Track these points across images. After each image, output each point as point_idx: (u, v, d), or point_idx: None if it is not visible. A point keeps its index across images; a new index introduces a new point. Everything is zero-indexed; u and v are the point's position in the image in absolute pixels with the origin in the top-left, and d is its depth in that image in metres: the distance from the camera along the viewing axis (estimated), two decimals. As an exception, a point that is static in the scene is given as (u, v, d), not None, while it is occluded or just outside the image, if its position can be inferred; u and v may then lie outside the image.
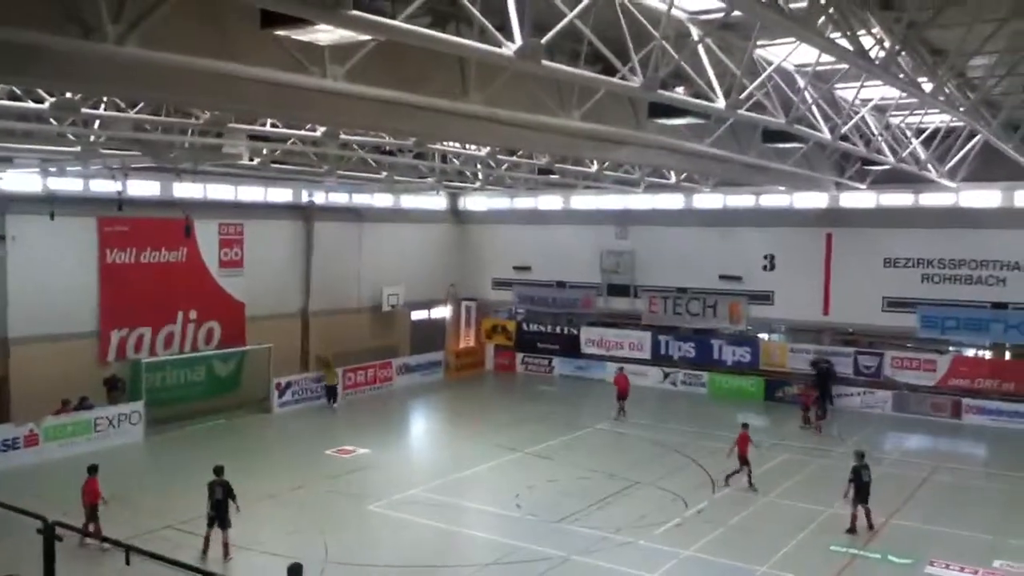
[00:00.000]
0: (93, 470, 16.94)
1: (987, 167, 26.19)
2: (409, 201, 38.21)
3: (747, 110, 14.21)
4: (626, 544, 17.20)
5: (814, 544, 17.41)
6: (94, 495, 16.57)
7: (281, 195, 32.53)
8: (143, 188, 27.27)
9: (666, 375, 34.89)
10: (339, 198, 34.74)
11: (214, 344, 29.26)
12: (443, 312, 39.63)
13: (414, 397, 33.21)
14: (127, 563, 10.66)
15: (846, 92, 17.49)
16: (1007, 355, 30.60)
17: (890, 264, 31.34)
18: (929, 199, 30.26)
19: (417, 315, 38.28)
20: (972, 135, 22.80)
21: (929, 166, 23.86)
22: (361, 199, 35.56)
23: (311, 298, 33.17)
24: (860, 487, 18.01)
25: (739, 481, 20.90)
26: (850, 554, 16.88)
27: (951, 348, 31.18)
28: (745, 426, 21.73)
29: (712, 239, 34.61)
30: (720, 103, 13.31)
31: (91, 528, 15.94)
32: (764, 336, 34.66)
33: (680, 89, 13.59)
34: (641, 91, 11.62)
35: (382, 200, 36.62)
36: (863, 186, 28.87)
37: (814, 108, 16.48)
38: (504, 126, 14.97)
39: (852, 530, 17.96)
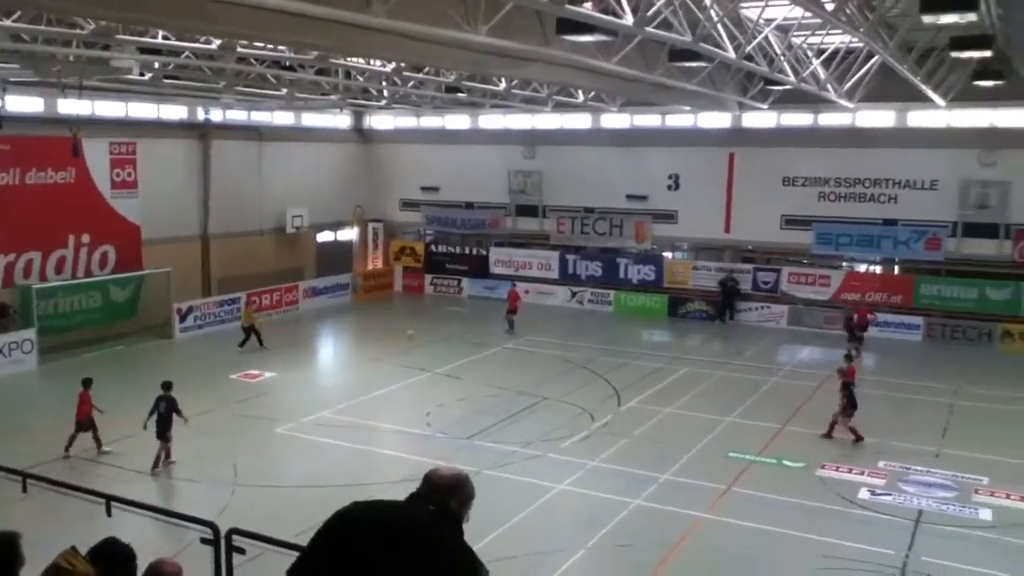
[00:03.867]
0: (87, 383, 17.42)
1: (883, 88, 26.95)
2: (312, 119, 37.12)
3: (654, 28, 14.17)
4: (535, 457, 17.62)
5: (713, 452, 18.19)
6: (88, 408, 17.12)
7: (176, 112, 31.11)
8: (25, 104, 25.69)
9: (573, 294, 35.41)
10: (237, 116, 33.47)
11: (109, 268, 28.12)
12: (350, 234, 39.02)
13: (321, 320, 32.88)
14: (24, 491, 10.34)
15: (751, 11, 17.60)
16: (896, 269, 32.13)
17: (789, 183, 32.25)
18: (827, 119, 31.07)
19: (323, 237, 37.61)
20: (870, 56, 23.33)
21: (829, 86, 24.39)
22: (261, 117, 34.35)
23: (211, 220, 32.10)
24: (850, 398, 18.72)
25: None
26: (747, 460, 17.71)
27: (844, 264, 32.55)
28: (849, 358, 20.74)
29: (619, 159, 34.87)
30: (628, 19, 13.22)
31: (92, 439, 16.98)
32: (668, 255, 35.42)
33: (588, 4, 13.40)
34: (550, 5, 11.41)
35: (283, 118, 35.45)
36: (765, 106, 29.35)
37: (719, 27, 16.55)
38: (409, 40, 14.57)
39: (858, 438, 18.63)
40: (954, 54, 18.69)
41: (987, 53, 17.76)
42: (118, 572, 5.01)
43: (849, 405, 18.85)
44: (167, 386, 17.02)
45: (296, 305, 33.42)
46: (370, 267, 38.81)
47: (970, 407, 21.79)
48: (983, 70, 23.78)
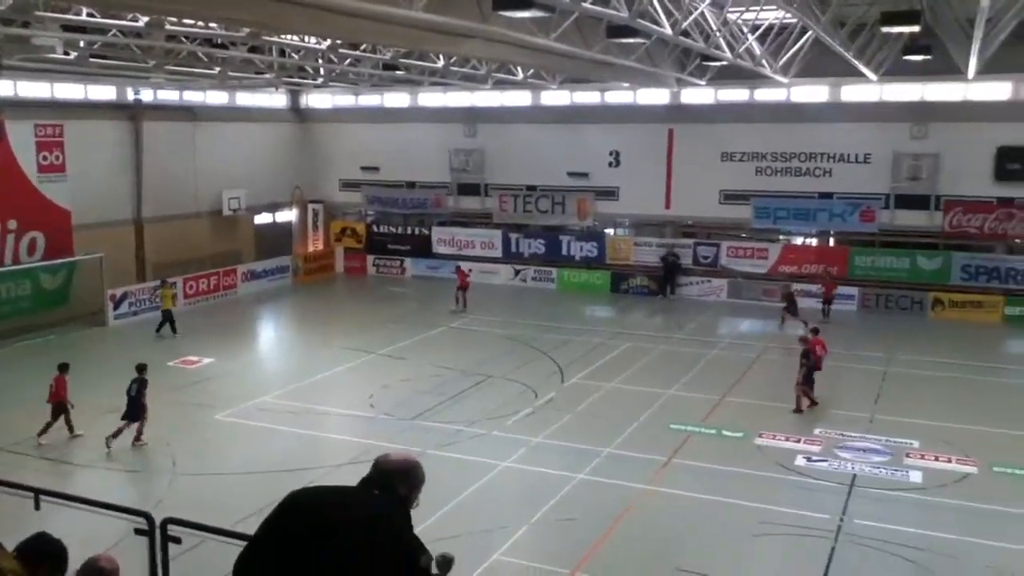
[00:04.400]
0: (64, 368, 17.34)
1: (816, 63, 27.40)
2: (247, 99, 36.36)
3: (591, 3, 14.15)
4: (480, 436, 17.67)
5: (655, 424, 18.45)
6: (61, 393, 17.04)
7: (104, 93, 30.17)
8: (-59, 85, 24.73)
9: (517, 272, 35.45)
10: (169, 96, 32.64)
11: (38, 255, 27.23)
12: (289, 215, 38.47)
13: (261, 304, 32.40)
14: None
15: (686, -14, 17.67)
16: (831, 242, 32.82)
17: (727, 158, 32.66)
18: (763, 94, 31.50)
19: (261, 219, 36.99)
20: (803, 32, 23.65)
21: (764, 62, 24.68)
22: (193, 96, 33.55)
23: (144, 204, 31.29)
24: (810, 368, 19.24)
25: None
26: (688, 431, 18.00)
27: (782, 237, 33.14)
28: (816, 331, 21.00)
29: (560, 136, 34.90)
30: (563, -6, 13.16)
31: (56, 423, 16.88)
32: (610, 231, 35.64)
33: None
34: (482, -20, 11.30)
35: (216, 97, 34.66)
36: (702, 82, 29.62)
37: (656, 3, 16.60)
38: (343, 16, 14.32)
39: (813, 403, 19.25)
40: (884, 29, 19.01)
41: (915, 28, 18.10)
42: (48, 568, 4.87)
43: (808, 374, 19.34)
44: (140, 368, 17.20)
45: (235, 289, 32.85)
46: (310, 249, 38.33)
47: (902, 374, 22.46)
48: (912, 45, 24.28)
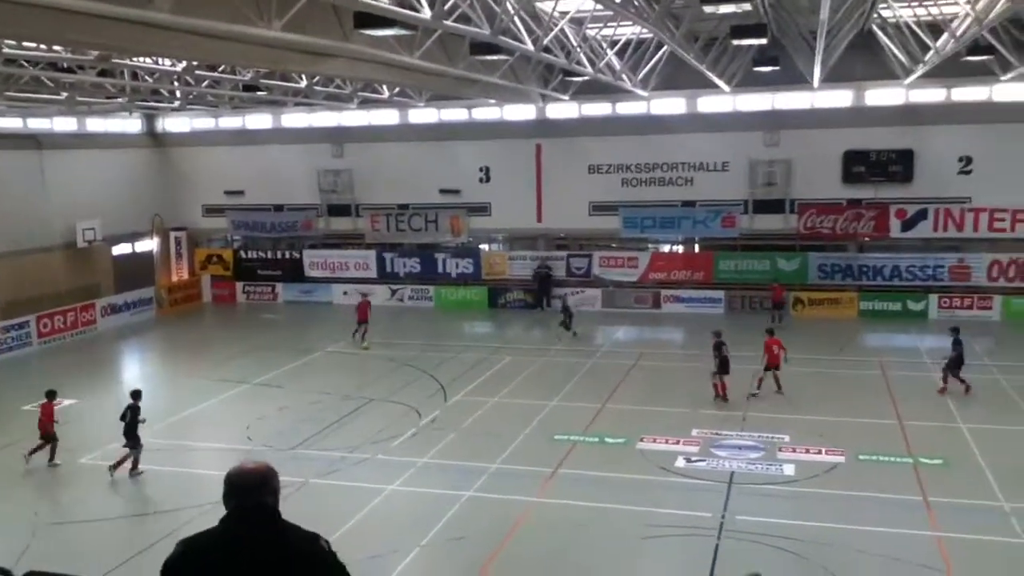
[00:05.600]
0: (51, 395, 17.88)
1: (674, 76, 28.48)
2: (98, 124, 34.70)
3: (453, 21, 14.19)
4: (364, 461, 17.31)
5: (539, 436, 18.56)
6: (48, 419, 17.53)
7: (-63, 122, 28.20)
8: None
9: (393, 292, 35.10)
10: (11, 123, 30.79)
11: None
12: (150, 245, 36.81)
13: (123, 339, 30.82)
14: None
15: (546, 5, 17.98)
16: (696, 248, 34.01)
17: (594, 170, 33.41)
18: (625, 108, 32.41)
19: (119, 250, 35.25)
20: (660, 46, 24.50)
21: (624, 76, 25.41)
22: (38, 124, 31.78)
23: (-10, 238, 29.35)
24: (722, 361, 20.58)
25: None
26: (571, 441, 18.19)
27: (650, 245, 34.10)
28: (770, 332, 22.04)
29: (430, 154, 34.85)
30: (426, 13, 13.16)
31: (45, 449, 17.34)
32: (485, 247, 35.79)
33: (385, -1, 13.23)
34: (344, -2, 11.15)
35: (64, 124, 32.94)
36: (566, 97, 30.25)
37: (517, 20, 16.83)
38: (197, 37, 13.83)
39: (723, 397, 20.49)
40: (735, 42, 19.94)
41: (763, 40, 19.05)
42: None
43: (722, 366, 20.35)
44: (134, 395, 17.36)
45: (94, 325, 31.13)
46: (175, 279, 36.78)
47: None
48: (761, 57, 25.61)
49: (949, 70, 25.39)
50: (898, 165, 30.41)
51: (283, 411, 20.95)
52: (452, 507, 14.86)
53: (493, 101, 31.86)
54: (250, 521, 3.64)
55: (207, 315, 35.49)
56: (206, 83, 25.07)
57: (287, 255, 36.65)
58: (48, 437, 17.50)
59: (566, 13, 18.53)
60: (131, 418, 16.97)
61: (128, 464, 16.86)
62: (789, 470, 16.38)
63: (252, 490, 3.70)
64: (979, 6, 16.96)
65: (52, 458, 17.51)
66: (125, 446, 16.87)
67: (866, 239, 31.32)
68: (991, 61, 25.02)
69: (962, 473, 16.05)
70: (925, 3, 20.52)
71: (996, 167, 29.53)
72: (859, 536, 13.49)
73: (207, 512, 14.70)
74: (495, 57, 19.71)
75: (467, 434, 18.93)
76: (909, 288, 30.69)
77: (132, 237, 35.79)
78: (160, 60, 21.16)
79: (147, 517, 14.41)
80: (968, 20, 18.15)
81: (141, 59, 20.40)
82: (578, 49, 21.34)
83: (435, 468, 16.93)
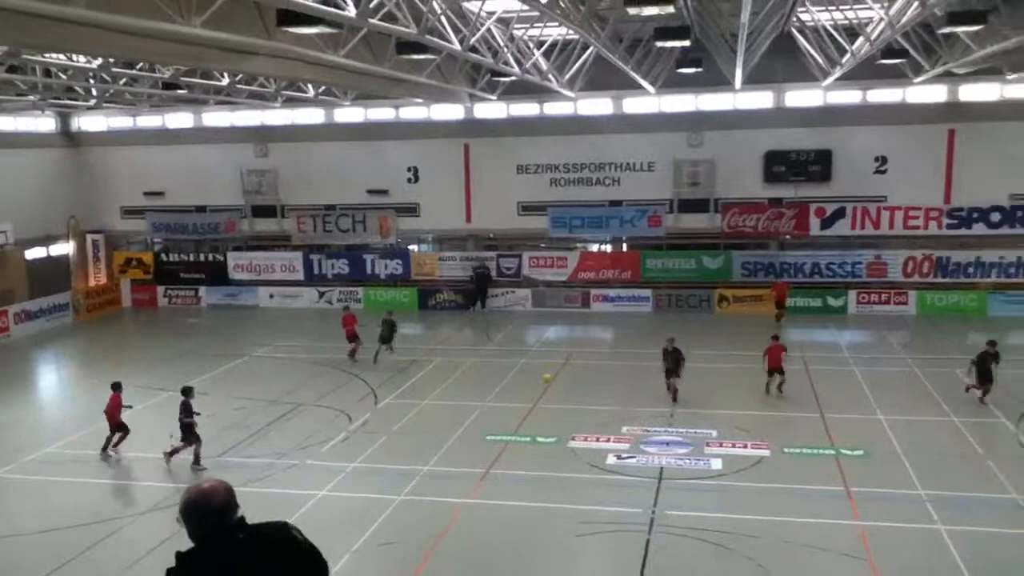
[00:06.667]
0: (117, 386, 18.22)
1: (600, 78, 28.72)
2: (8, 123, 33.34)
3: (378, 20, 14.05)
4: (293, 467, 17.02)
5: (471, 437, 18.51)
6: (116, 410, 17.87)
7: None
8: None
9: (321, 294, 34.62)
10: (-86, 123, 29.35)
11: None
12: (65, 248, 35.52)
13: (38, 347, 29.69)
14: None
15: (473, 4, 17.94)
16: (624, 247, 34.40)
17: (523, 171, 33.51)
18: (552, 108, 32.60)
19: (33, 254, 33.92)
20: (586, 47, 24.70)
21: (551, 76, 25.53)
22: (-56, 123, 30.36)
23: None
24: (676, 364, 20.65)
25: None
26: (503, 441, 18.19)
27: (579, 245, 34.36)
28: (775, 338, 21.69)
29: (357, 153, 34.47)
30: (351, 11, 13.00)
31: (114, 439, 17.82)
32: (414, 247, 35.56)
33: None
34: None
35: (-28, 123, 31.55)
36: (494, 97, 30.26)
37: (443, 19, 16.74)
38: (114, 33, 13.39)
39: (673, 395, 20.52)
40: (659, 44, 20.21)
41: (686, 43, 19.36)
42: None
43: (674, 368, 20.65)
44: (185, 392, 17.52)
45: (7, 332, 29.93)
46: (92, 283, 35.58)
47: (696, 368, 23.69)
48: (684, 59, 26.03)
49: (865, 72, 26.27)
50: (817, 165, 31.27)
51: (209, 418, 20.32)
52: (385, 511, 14.70)
53: (420, 100, 31.68)
54: (238, 540, 3.64)
55: (127, 320, 34.45)
56: (123, 81, 24.34)
57: (210, 257, 35.82)
58: (119, 427, 17.82)
59: (493, 13, 18.52)
60: (186, 415, 17.18)
61: (188, 456, 17.11)
62: (717, 464, 16.67)
63: (226, 509, 3.60)
64: (892, 10, 17.56)
65: (114, 445, 17.95)
66: (182, 440, 17.10)
67: (787, 237, 32.12)
68: (904, 64, 25.93)
69: (882, 463, 16.57)
70: (842, 7, 21.15)
71: (910, 166, 30.63)
72: (785, 527, 13.80)
73: (133, 521, 14.28)
74: (422, 56, 19.60)
75: (398, 437, 18.77)
76: (829, 284, 31.60)
77: (46, 240, 34.49)
78: (74, 56, 20.46)
79: (69, 530, 13.87)
80: (882, 24, 18.75)
81: (55, 55, 19.69)
82: (505, 49, 21.36)
83: (366, 472, 16.73)
